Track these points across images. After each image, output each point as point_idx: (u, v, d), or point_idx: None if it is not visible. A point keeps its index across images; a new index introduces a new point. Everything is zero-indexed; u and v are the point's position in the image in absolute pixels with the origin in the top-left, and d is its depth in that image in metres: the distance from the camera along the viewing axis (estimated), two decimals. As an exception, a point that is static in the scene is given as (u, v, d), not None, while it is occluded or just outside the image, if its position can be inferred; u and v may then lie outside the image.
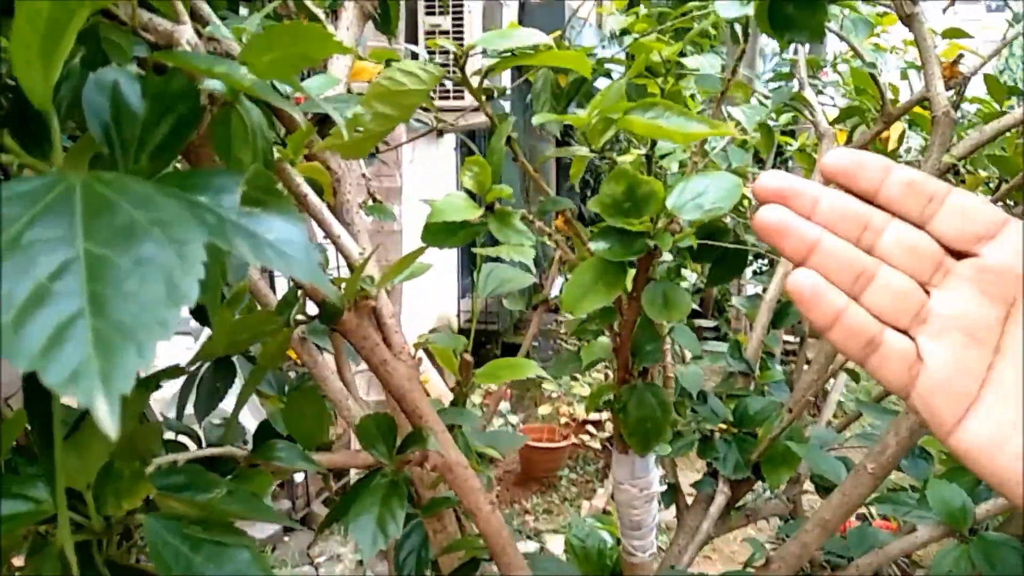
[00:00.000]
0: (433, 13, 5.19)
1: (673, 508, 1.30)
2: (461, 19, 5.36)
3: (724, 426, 1.20)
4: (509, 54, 0.55)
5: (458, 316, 5.61)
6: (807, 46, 1.66)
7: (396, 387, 0.58)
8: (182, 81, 0.40)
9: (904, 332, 0.35)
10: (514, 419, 4.11)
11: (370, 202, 0.98)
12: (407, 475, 0.62)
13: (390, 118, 0.54)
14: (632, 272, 0.59)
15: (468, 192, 0.64)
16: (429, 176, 4.38)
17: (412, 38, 5.13)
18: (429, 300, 4.96)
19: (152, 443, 0.49)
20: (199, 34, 0.61)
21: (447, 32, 5.42)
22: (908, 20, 1.05)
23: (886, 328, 0.35)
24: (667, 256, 0.75)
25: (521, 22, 6.28)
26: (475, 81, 0.64)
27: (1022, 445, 0.32)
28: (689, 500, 1.26)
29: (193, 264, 0.30)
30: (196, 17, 0.59)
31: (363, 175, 0.97)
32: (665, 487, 1.24)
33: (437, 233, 0.54)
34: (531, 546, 3.35)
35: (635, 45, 1.59)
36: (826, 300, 0.35)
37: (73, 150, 0.41)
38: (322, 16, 0.90)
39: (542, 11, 6.07)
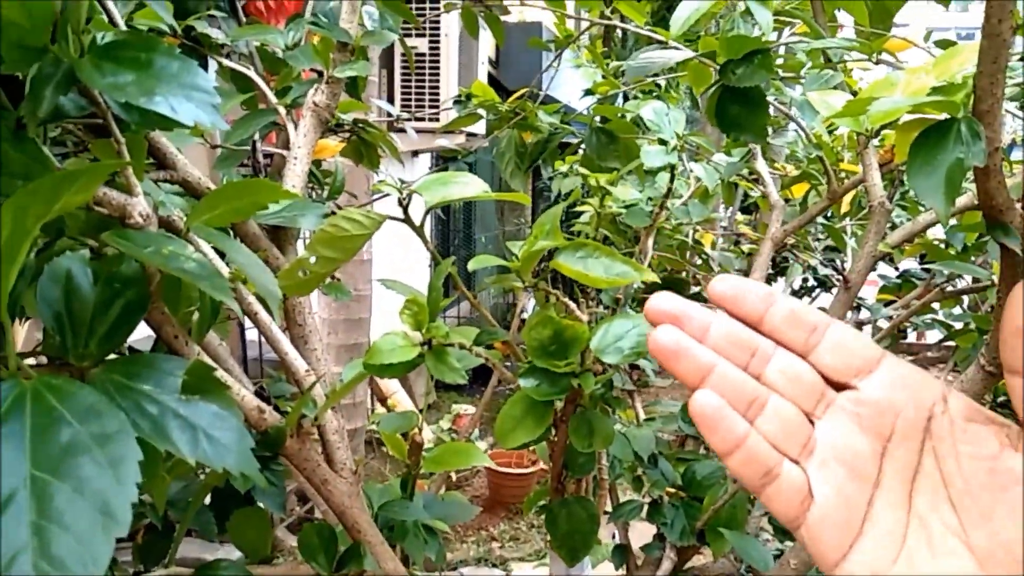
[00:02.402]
0: (410, 35, 5.23)
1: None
2: (438, 42, 5.42)
3: (673, 490, 1.25)
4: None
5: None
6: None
7: (336, 504, 0.61)
8: (133, 266, 0.44)
9: (795, 462, 0.36)
10: (483, 445, 4.14)
11: (328, 280, 1.02)
12: (349, 581, 0.65)
13: (334, 260, 0.58)
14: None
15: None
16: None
17: (388, 62, 5.17)
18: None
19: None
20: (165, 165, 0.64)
21: (424, 55, 5.46)
22: (847, 114, 1.10)
23: (784, 459, 0.36)
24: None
25: (498, 46, 6.33)
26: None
27: None
28: (640, 561, 1.30)
29: (127, 486, 0.33)
30: (163, 161, 0.62)
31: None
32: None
33: (376, 368, 0.58)
34: (496, 574, 3.38)
35: (598, 107, 1.65)
36: (728, 425, 0.35)
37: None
38: (283, 111, 0.94)
39: (519, 35, 6.11)
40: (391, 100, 5.09)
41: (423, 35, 5.42)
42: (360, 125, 1.25)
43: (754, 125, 0.96)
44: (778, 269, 5.06)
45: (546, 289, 0.62)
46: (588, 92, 1.71)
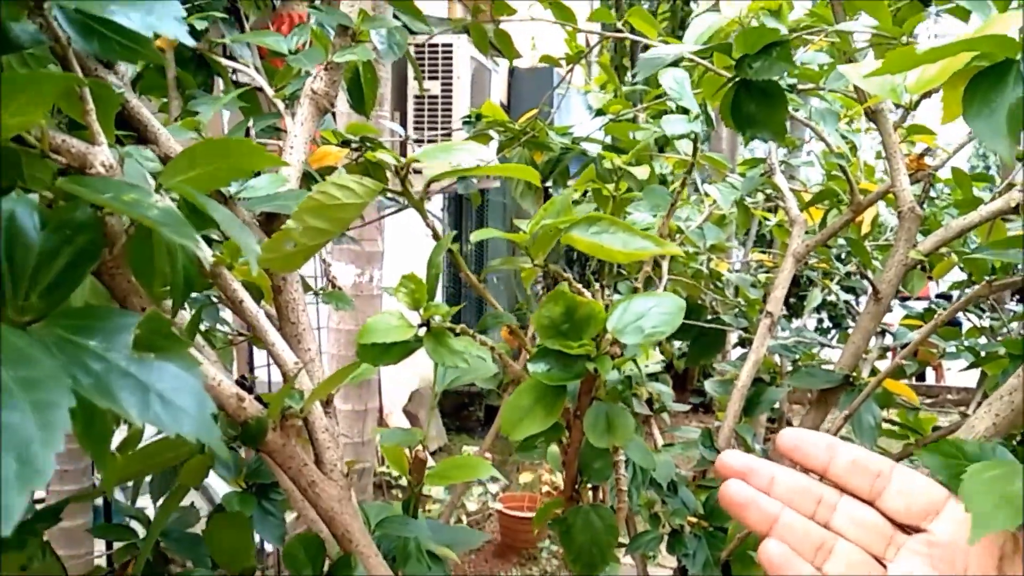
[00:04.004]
0: (423, 78, 5.28)
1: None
2: (450, 85, 5.46)
3: (694, 519, 1.17)
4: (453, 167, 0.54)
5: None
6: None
7: (325, 510, 0.55)
8: (87, 212, 0.39)
9: None
10: (494, 487, 4.04)
11: (329, 288, 0.97)
12: (339, 598, 0.59)
13: (323, 232, 0.52)
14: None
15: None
16: (415, 237, 4.38)
17: (401, 103, 5.20)
18: (411, 360, 4.90)
19: (51, 580, 0.46)
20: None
21: (436, 97, 5.50)
22: (873, 115, 1.06)
23: None
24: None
25: (510, 89, 6.39)
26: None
27: None
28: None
29: (53, 434, 0.28)
30: (144, 133, 0.58)
31: (323, 259, 0.95)
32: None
33: (369, 353, 0.52)
34: (508, 622, 3.25)
35: (610, 126, 1.61)
36: (794, 570, 0.37)
37: None
38: (281, 107, 0.90)
39: (530, 78, 6.17)
40: (403, 143, 5.12)
41: (436, 78, 5.47)
42: (368, 144, 1.21)
43: (772, 121, 0.91)
44: (791, 309, 4.97)
45: (557, 272, 0.56)
46: (599, 112, 1.68)
